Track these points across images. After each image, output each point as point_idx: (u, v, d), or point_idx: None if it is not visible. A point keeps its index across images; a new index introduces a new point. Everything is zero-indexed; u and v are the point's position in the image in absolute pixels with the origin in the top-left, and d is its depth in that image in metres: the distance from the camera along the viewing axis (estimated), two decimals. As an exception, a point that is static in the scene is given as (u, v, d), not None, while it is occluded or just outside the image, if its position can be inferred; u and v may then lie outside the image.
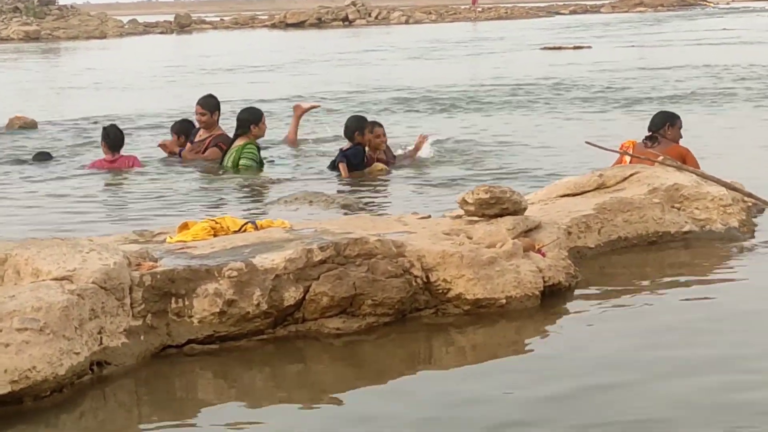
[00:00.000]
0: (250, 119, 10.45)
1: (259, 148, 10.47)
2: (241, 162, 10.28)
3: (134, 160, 10.71)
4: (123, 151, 10.75)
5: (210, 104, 10.95)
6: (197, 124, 11.10)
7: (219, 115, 11.01)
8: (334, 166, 10.04)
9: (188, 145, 11.10)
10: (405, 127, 13.57)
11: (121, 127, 11.17)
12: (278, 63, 28.83)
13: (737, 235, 6.93)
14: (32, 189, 9.80)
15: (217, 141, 10.83)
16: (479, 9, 70.95)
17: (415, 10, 69.14)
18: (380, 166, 10.01)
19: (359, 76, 22.99)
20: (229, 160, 10.35)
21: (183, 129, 11.33)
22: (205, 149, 10.84)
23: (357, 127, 10.09)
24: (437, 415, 4.29)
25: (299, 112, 12.14)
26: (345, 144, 10.19)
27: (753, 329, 5.24)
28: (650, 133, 8.52)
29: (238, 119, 10.50)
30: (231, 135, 10.70)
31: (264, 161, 10.56)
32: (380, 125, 10.34)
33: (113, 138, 10.62)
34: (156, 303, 4.97)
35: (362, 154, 10.00)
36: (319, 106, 12.73)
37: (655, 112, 9.17)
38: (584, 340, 5.13)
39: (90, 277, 4.74)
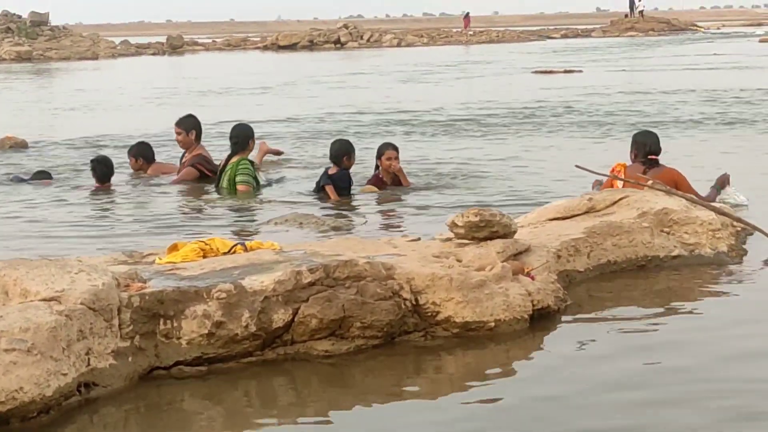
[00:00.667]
0: (249, 134, 10.45)
1: (253, 164, 10.46)
2: (238, 179, 10.20)
3: None
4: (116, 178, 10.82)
5: (186, 124, 10.96)
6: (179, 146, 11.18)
7: (197, 134, 10.95)
8: (319, 189, 10.03)
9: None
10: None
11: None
12: (270, 85, 28.87)
13: (726, 259, 6.95)
14: (21, 209, 9.78)
15: (193, 161, 10.84)
16: (471, 32, 71.19)
17: (407, 33, 69.36)
18: (371, 188, 10.03)
19: (351, 99, 23.03)
20: (224, 180, 10.31)
21: (140, 151, 11.37)
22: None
23: (345, 151, 10.07)
24: (425, 439, 4.29)
25: (265, 149, 12.10)
26: (331, 167, 10.13)
27: (742, 354, 5.23)
28: (650, 157, 8.46)
29: (235, 136, 10.40)
30: (220, 154, 10.69)
31: (259, 180, 10.54)
32: (393, 148, 10.34)
33: (100, 173, 10.66)
34: (144, 324, 4.96)
35: (348, 178, 10.00)
36: (282, 153, 12.67)
37: (642, 133, 9.07)
38: (573, 364, 5.13)
39: (78, 298, 4.73)
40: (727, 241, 7.10)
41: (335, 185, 9.86)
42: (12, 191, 10.79)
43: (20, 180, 11.30)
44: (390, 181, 10.18)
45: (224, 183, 10.29)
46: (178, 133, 10.98)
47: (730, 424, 4.34)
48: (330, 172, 10.02)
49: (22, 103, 24.67)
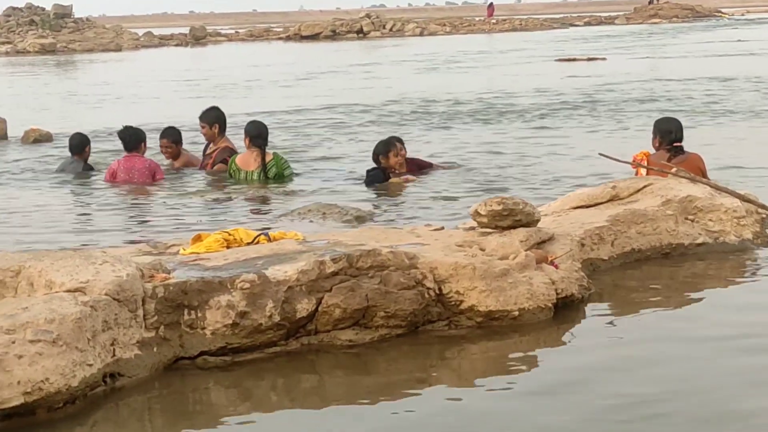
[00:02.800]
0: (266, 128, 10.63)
1: None
2: (288, 172, 10.55)
3: (158, 167, 10.70)
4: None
5: (208, 117, 11.01)
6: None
7: (220, 127, 10.99)
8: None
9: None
10: (423, 142, 13.55)
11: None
12: (295, 75, 28.89)
13: (751, 246, 6.91)
14: (46, 201, 9.84)
15: (222, 155, 10.85)
16: (494, 21, 71.02)
17: (430, 22, 69.22)
18: (402, 180, 10.11)
19: (379, 89, 23.03)
20: (271, 172, 10.42)
21: (172, 135, 11.34)
22: (213, 164, 10.90)
23: (378, 152, 10.17)
24: (450, 428, 4.29)
25: None
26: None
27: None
28: (675, 144, 8.39)
29: (261, 132, 10.51)
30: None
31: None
32: (398, 141, 10.48)
33: (125, 139, 10.66)
34: (169, 315, 4.98)
35: (381, 178, 10.05)
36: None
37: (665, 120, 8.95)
38: (597, 353, 5.12)
39: (103, 289, 4.75)
40: (752, 228, 7.06)
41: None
42: (32, 183, 10.84)
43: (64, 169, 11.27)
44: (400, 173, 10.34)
45: (271, 174, 10.43)
46: (203, 127, 11.09)
47: (754, 417, 4.33)
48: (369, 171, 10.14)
49: (46, 96, 24.78)
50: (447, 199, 9.33)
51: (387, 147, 10.23)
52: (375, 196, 9.67)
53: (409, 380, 4.88)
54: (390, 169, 10.14)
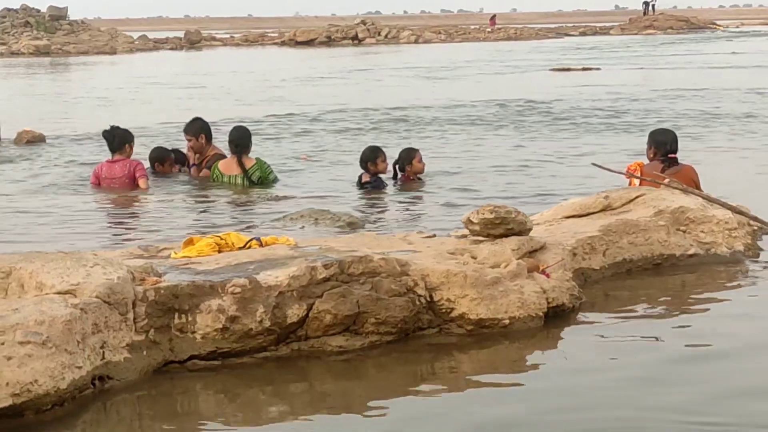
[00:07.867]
0: (250, 135, 10.67)
1: None
2: (272, 176, 10.57)
3: (137, 165, 10.46)
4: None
5: (193, 129, 10.88)
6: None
7: (206, 137, 10.89)
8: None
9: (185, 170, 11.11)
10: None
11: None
12: (289, 80, 28.89)
13: (742, 258, 6.92)
14: (37, 202, 9.81)
15: (213, 162, 10.71)
16: (488, 29, 71.30)
17: (425, 30, 69.30)
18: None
19: (370, 95, 23.03)
20: (254, 176, 10.42)
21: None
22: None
23: (367, 158, 10.19)
24: (438, 435, 4.29)
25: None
26: (363, 174, 10.22)
27: (757, 358, 5.21)
28: (670, 156, 8.38)
29: (245, 138, 10.50)
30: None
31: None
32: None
33: (109, 140, 10.48)
34: (159, 318, 4.97)
35: (383, 184, 10.13)
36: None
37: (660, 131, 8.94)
38: (587, 362, 5.12)
39: (93, 292, 4.74)
40: (743, 240, 7.07)
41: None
42: (22, 185, 10.82)
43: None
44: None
45: (254, 178, 10.42)
46: (189, 140, 10.93)
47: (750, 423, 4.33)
48: (363, 179, 10.11)
49: (39, 97, 24.76)
50: (439, 206, 9.33)
51: (375, 153, 10.26)
52: (368, 202, 9.67)
53: (399, 387, 4.87)
54: (379, 173, 10.18)
